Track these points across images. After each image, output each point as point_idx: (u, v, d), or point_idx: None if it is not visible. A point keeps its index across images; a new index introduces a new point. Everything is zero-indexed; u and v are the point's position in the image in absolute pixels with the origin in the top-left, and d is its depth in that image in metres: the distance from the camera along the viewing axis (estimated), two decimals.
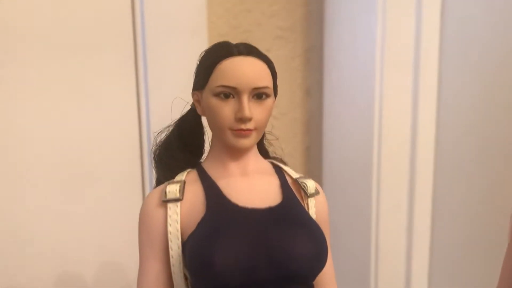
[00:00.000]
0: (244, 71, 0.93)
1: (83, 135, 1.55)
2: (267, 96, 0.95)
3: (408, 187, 1.83)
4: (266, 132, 1.12)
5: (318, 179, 2.07)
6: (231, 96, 0.93)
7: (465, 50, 1.68)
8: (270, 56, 1.88)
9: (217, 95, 0.94)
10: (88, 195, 1.56)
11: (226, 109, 0.93)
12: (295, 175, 1.04)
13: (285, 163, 1.09)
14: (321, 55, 1.99)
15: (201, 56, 1.00)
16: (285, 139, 2.04)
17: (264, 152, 1.10)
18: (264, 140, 1.12)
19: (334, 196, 1.99)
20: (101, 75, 1.54)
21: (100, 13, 1.51)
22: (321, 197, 1.05)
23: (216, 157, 1.01)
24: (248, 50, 0.96)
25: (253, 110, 0.93)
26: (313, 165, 2.10)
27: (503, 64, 1.55)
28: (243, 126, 0.92)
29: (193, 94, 1.03)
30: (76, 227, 1.55)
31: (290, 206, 0.97)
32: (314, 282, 1.00)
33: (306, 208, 1.01)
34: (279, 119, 2.01)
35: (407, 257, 1.87)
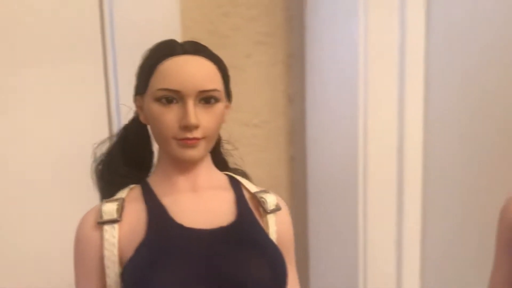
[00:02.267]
0: (188, 72, 0.83)
1: (51, 146, 1.47)
2: (217, 100, 0.85)
3: (396, 196, 1.77)
4: (223, 141, 1.02)
5: (303, 190, 2.00)
6: (175, 101, 0.83)
7: (451, 53, 1.63)
8: (251, 62, 1.83)
9: (158, 100, 0.84)
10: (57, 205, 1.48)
11: (169, 116, 0.83)
12: (254, 189, 0.95)
13: (247, 176, 1.00)
14: (303, 61, 1.93)
15: (143, 56, 0.90)
16: (268, 149, 1.98)
17: (221, 163, 0.99)
18: (221, 150, 1.01)
19: (319, 206, 1.92)
20: (70, 86, 1.47)
21: (68, 21, 1.45)
22: (284, 213, 0.95)
23: (162, 171, 0.91)
24: (194, 48, 0.87)
25: (200, 116, 0.83)
26: (298, 175, 2.03)
27: (489, 67, 1.50)
28: (188, 135, 0.82)
29: (134, 100, 0.92)
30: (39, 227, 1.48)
31: (245, 225, 0.87)
32: None
33: (264, 226, 0.91)
34: (261, 127, 1.95)
35: (397, 269, 1.81)
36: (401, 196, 1.76)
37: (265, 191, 0.95)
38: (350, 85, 1.71)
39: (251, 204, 0.92)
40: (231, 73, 1.80)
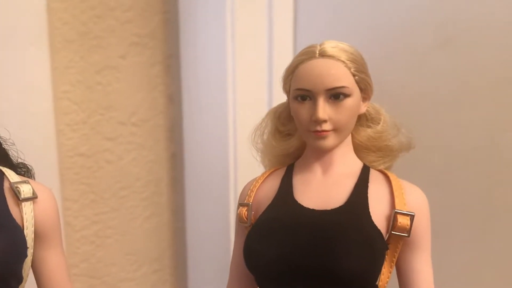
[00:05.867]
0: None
1: None
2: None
3: None
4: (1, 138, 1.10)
5: (181, 185, 2.08)
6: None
7: None
8: (127, 62, 1.87)
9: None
10: None
11: None
12: (14, 179, 1.04)
13: (28, 170, 1.11)
14: (179, 62, 2.01)
15: None
16: (147, 147, 2.04)
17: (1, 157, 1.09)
18: (4, 145, 1.10)
19: (196, 201, 2.01)
20: None
21: None
22: (43, 201, 1.05)
23: None
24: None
25: None
26: (178, 172, 2.11)
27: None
28: None
29: None
30: None
31: None
32: None
33: (17, 213, 1.01)
34: (139, 126, 2.00)
35: None
36: None
37: (24, 182, 1.03)
38: (220, 85, 1.80)
39: (9, 194, 1.02)
40: (104, 72, 1.85)
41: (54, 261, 1.06)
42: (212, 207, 1.95)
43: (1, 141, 1.09)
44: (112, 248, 1.99)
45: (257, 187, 1.09)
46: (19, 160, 1.11)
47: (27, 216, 1.01)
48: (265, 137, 1.14)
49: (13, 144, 1.10)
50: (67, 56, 1.72)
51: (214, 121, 1.86)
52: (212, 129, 1.89)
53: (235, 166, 1.83)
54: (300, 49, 1.76)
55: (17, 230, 0.98)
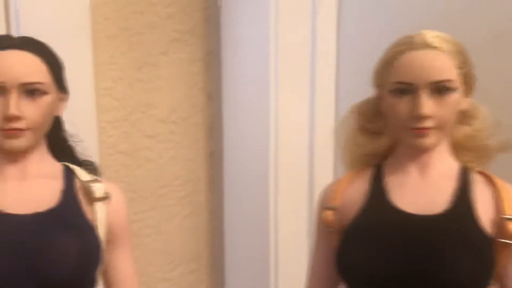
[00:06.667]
0: (11, 65, 0.87)
1: None
2: (42, 93, 0.90)
3: (307, 191, 1.83)
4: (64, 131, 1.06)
5: (220, 185, 2.04)
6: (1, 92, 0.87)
7: (361, 51, 1.68)
8: (167, 59, 1.84)
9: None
10: None
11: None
12: (85, 177, 0.99)
13: (94, 167, 1.05)
14: (220, 59, 1.97)
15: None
16: (186, 145, 2.01)
17: (65, 154, 1.03)
18: (65, 142, 1.06)
19: (235, 200, 1.97)
20: None
21: None
22: (115, 201, 1.00)
23: None
24: (20, 43, 0.91)
25: (23, 108, 0.87)
26: (216, 170, 2.08)
27: None
28: (9, 126, 0.87)
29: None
30: None
31: (63, 211, 0.92)
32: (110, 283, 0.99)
33: (90, 213, 0.96)
34: (179, 124, 1.97)
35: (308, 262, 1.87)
36: (312, 191, 1.82)
37: (95, 181, 0.99)
38: (262, 83, 1.76)
39: (80, 193, 0.97)
40: (145, 69, 1.82)
41: (123, 266, 1.02)
42: (251, 207, 1.91)
43: (68, 137, 1.05)
44: (149, 247, 1.96)
45: (343, 189, 1.03)
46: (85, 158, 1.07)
47: (99, 217, 0.96)
48: (349, 135, 1.07)
49: (82, 141, 1.06)
50: (108, 52, 1.70)
51: (255, 120, 1.82)
52: (252, 127, 1.85)
53: (275, 166, 1.79)
54: (343, 45, 1.74)
55: (93, 233, 0.93)
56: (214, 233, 2.12)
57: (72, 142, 1.05)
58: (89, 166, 1.04)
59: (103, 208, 0.97)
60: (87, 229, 0.92)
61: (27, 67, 0.87)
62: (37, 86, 0.88)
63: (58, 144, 1.02)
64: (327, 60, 1.78)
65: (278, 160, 1.78)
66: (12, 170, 0.93)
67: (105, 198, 0.98)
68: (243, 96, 1.88)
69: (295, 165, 1.81)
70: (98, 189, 0.97)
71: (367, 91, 1.65)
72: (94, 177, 1.00)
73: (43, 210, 0.90)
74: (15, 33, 1.41)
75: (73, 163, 1.02)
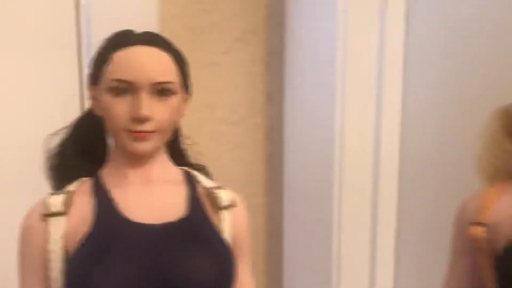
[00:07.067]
0: (141, 63, 0.80)
1: (24, 135, 1.44)
2: (172, 92, 0.83)
3: (371, 195, 1.77)
4: (182, 135, 1.00)
5: (279, 188, 2.00)
6: (128, 92, 0.81)
7: (430, 53, 1.64)
8: (229, 59, 1.81)
9: (111, 90, 0.81)
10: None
11: (121, 107, 0.80)
12: (209, 184, 0.93)
13: (206, 172, 0.98)
14: (282, 59, 1.93)
15: (99, 45, 0.87)
16: (245, 146, 1.97)
17: (179, 158, 0.97)
18: (180, 143, 0.99)
19: (295, 204, 1.92)
20: (44, 76, 1.45)
21: (43, 11, 1.43)
22: (239, 210, 0.93)
23: (114, 163, 0.88)
24: (149, 39, 0.84)
25: (154, 108, 0.80)
26: (274, 173, 2.03)
27: (468, 69, 1.51)
28: (138, 128, 0.80)
29: (88, 90, 0.89)
30: None
31: (194, 221, 0.85)
32: None
33: (216, 222, 0.89)
34: (239, 124, 1.94)
35: (371, 268, 1.81)
36: (376, 195, 1.76)
37: (219, 187, 0.93)
38: (327, 84, 1.71)
39: (205, 200, 0.90)
40: (208, 69, 1.80)
41: (243, 280, 0.93)
42: (312, 212, 1.85)
43: (180, 139, 0.99)
44: None
45: (492, 204, 0.96)
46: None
47: (225, 227, 0.89)
48: (494, 141, 1.00)
49: (194, 143, 1.00)
50: None
51: (319, 123, 1.77)
52: (316, 131, 1.80)
53: (340, 171, 1.73)
54: (412, 47, 1.67)
55: (225, 245, 0.85)
56: (272, 237, 2.07)
57: (186, 145, 0.99)
58: (202, 171, 0.98)
59: (229, 217, 0.90)
60: (218, 242, 0.86)
61: (159, 65, 0.82)
62: (169, 86, 0.82)
63: (174, 147, 0.96)
64: (395, 61, 1.72)
65: (343, 165, 1.72)
66: (135, 175, 0.87)
67: (231, 206, 0.91)
68: (306, 98, 1.83)
69: (360, 170, 1.74)
70: (224, 196, 0.91)
71: (435, 95, 1.60)
72: (217, 184, 0.94)
73: (173, 220, 0.84)
74: (84, 31, 1.42)
75: (186, 167, 0.96)
